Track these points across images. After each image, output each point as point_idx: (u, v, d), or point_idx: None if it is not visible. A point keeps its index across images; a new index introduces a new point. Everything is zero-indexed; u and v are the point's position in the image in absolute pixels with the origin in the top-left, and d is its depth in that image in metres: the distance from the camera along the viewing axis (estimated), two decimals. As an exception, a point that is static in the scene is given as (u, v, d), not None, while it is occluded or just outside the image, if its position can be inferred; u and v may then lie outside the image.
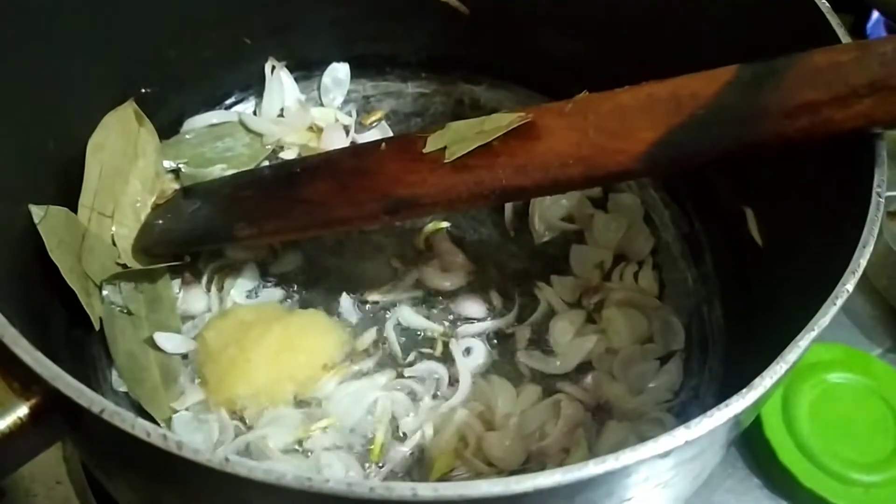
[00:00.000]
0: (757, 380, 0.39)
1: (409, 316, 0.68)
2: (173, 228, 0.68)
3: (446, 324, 0.69)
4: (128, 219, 0.67)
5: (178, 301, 0.68)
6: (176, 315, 0.66)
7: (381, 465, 0.62)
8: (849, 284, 0.43)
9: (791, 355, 0.40)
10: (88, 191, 0.63)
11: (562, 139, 0.53)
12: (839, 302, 0.42)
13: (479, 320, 0.69)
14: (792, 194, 0.58)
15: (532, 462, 0.62)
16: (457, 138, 0.57)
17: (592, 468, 0.36)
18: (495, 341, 0.68)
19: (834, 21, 0.54)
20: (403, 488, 0.35)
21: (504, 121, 0.55)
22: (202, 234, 0.68)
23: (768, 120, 0.47)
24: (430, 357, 0.67)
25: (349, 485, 0.35)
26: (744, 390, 0.38)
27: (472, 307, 0.70)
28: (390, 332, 0.67)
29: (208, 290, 0.69)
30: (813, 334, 0.40)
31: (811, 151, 0.50)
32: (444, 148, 0.57)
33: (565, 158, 0.53)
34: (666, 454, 0.37)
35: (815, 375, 0.69)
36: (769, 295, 0.60)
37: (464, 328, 0.68)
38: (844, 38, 0.52)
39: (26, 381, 0.40)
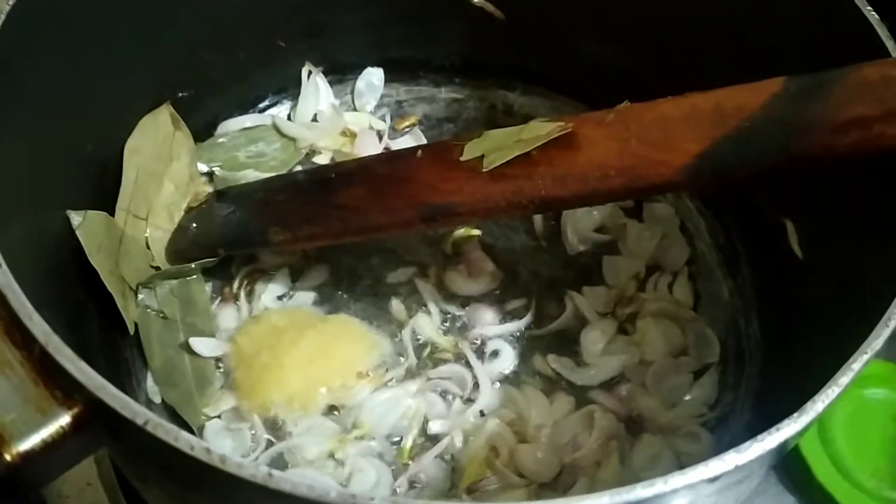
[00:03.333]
0: (809, 403, 0.38)
1: (425, 326, 0.68)
2: (206, 232, 0.68)
3: (463, 334, 0.68)
4: (162, 221, 0.67)
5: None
6: (210, 318, 0.66)
7: (405, 463, 0.61)
8: (902, 305, 0.42)
9: (844, 378, 0.39)
10: (125, 194, 0.64)
11: (602, 149, 0.53)
12: (892, 324, 0.41)
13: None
14: (836, 207, 0.57)
15: (564, 474, 0.61)
16: (495, 147, 0.56)
17: (641, 491, 0.35)
18: (521, 347, 0.67)
19: (883, 33, 0.53)
20: (448, 507, 0.35)
21: (543, 130, 0.55)
22: (235, 237, 0.68)
23: (816, 134, 0.46)
24: (452, 361, 0.67)
25: (395, 502, 0.35)
26: (795, 414, 0.38)
27: (490, 316, 0.69)
28: (408, 343, 0.67)
29: (237, 296, 0.68)
30: (866, 357, 0.40)
31: (860, 165, 0.49)
32: (482, 156, 0.56)
33: (606, 169, 0.52)
34: (715, 479, 0.36)
35: (851, 391, 0.66)
36: (810, 310, 0.59)
37: (479, 330, 0.68)
38: (895, 50, 0.51)
39: (69, 389, 0.40)
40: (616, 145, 0.52)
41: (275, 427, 0.62)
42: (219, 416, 0.62)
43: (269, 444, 0.61)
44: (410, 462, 0.61)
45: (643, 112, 0.52)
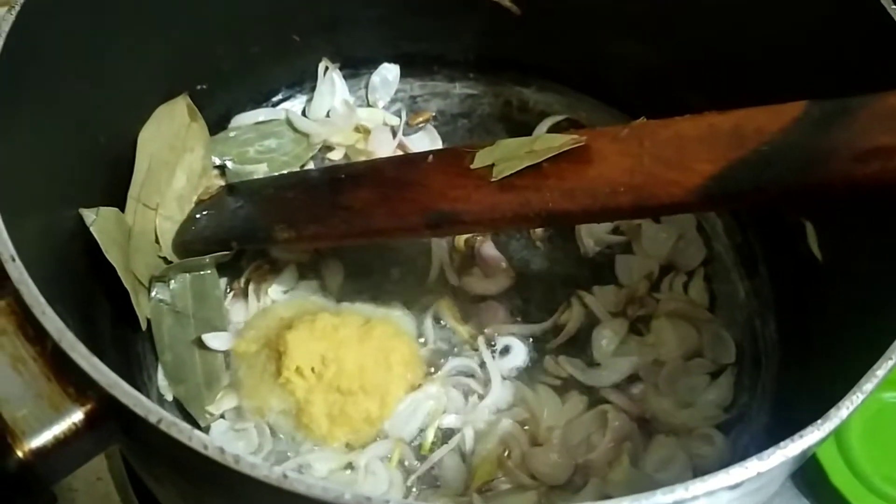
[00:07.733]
0: (833, 410, 0.37)
1: (444, 319, 0.68)
2: (214, 225, 0.67)
3: (477, 329, 0.68)
4: (172, 212, 0.66)
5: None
6: (223, 313, 0.66)
7: (405, 462, 0.61)
8: (927, 310, 0.41)
9: (868, 385, 0.38)
10: (136, 182, 0.63)
11: (614, 165, 0.51)
12: (918, 329, 0.40)
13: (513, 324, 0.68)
14: (856, 207, 0.56)
15: (575, 475, 0.61)
16: (506, 156, 0.55)
17: (661, 497, 0.35)
18: (533, 346, 0.67)
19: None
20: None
21: (556, 142, 0.53)
22: (241, 232, 0.67)
23: (836, 162, 0.44)
24: (466, 355, 0.66)
25: (410, 506, 0.34)
26: (819, 421, 0.37)
27: (503, 314, 0.69)
28: (429, 332, 0.66)
29: (246, 291, 0.68)
30: (891, 363, 0.39)
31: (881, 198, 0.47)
32: (492, 165, 0.55)
33: (616, 186, 0.51)
34: (737, 486, 0.35)
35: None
36: (829, 312, 0.58)
37: (497, 327, 0.67)
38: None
39: (82, 386, 0.39)
40: (628, 161, 0.51)
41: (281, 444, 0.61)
42: (222, 416, 0.62)
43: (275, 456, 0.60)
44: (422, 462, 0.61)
45: (659, 129, 0.51)
